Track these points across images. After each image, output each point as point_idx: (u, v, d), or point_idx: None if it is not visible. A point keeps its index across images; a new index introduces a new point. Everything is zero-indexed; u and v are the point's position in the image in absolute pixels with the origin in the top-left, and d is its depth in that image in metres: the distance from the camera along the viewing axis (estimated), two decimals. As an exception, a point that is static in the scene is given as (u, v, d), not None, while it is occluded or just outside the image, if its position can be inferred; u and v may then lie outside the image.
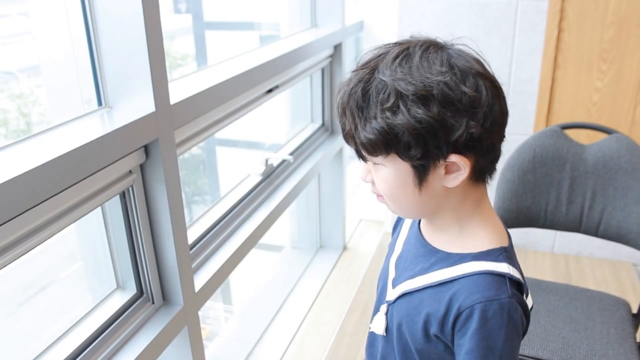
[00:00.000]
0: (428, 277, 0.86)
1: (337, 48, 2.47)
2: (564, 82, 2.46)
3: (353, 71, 0.81)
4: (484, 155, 0.79)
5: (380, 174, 0.82)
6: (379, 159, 0.80)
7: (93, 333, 1.16)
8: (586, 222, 1.68)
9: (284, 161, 2.13)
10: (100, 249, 1.29)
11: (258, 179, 1.94)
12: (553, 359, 1.47)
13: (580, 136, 1.78)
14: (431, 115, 0.73)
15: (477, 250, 0.83)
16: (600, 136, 1.70)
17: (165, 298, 1.35)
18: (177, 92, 1.30)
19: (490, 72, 0.80)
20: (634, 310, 1.67)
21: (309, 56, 2.11)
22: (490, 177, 0.84)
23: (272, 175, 2.03)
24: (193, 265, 1.47)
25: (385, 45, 0.82)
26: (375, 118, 0.76)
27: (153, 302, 1.32)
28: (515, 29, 2.45)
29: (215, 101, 1.46)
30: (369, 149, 0.79)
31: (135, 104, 1.16)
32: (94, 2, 1.11)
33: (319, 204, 2.79)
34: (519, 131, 2.57)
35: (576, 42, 2.39)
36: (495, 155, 0.82)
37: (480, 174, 0.82)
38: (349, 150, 2.78)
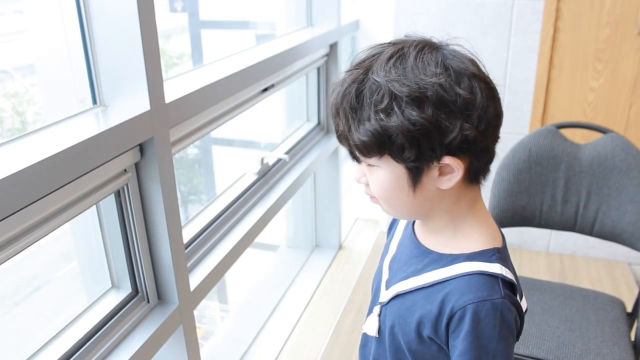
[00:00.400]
0: (421, 278, 0.85)
1: (333, 47, 2.47)
2: (560, 81, 2.46)
3: (347, 71, 0.80)
4: (478, 157, 0.79)
5: (375, 175, 0.82)
6: (373, 160, 0.80)
7: (88, 332, 1.16)
8: (581, 221, 1.69)
9: (279, 160, 2.13)
10: (95, 248, 1.28)
11: (254, 178, 1.94)
12: (548, 357, 1.48)
13: (575, 136, 1.79)
14: (425, 117, 0.73)
15: (470, 251, 0.83)
16: (596, 136, 1.70)
17: (161, 297, 1.35)
18: (173, 91, 1.30)
19: (485, 73, 0.79)
20: (629, 309, 1.67)
21: (304, 55, 2.11)
22: (484, 178, 0.84)
23: (267, 174, 2.03)
24: (188, 265, 1.47)
25: (379, 44, 0.81)
26: (369, 120, 0.75)
27: (148, 301, 1.32)
28: (511, 29, 2.45)
29: (211, 100, 1.46)
30: (362, 150, 0.79)
31: (130, 102, 1.16)
32: (88, 0, 1.11)
33: (315, 203, 2.78)
34: (515, 130, 2.57)
35: (572, 42, 2.39)
36: (490, 156, 0.81)
37: (474, 175, 0.82)
38: (344, 150, 2.79)
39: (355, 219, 3.23)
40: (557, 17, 2.37)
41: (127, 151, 1.14)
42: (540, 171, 1.68)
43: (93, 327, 1.18)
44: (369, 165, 0.82)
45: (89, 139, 1.00)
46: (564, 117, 2.50)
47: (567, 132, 1.72)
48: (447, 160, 0.76)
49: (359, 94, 0.77)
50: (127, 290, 1.30)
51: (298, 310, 2.43)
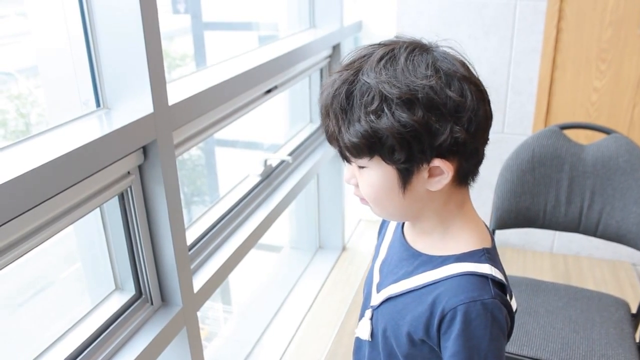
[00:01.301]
0: (411, 280, 0.85)
1: (336, 48, 2.47)
2: (563, 82, 2.46)
3: (337, 72, 0.80)
4: (467, 159, 0.79)
5: (365, 176, 0.82)
6: (363, 162, 0.80)
7: (92, 334, 1.16)
8: (585, 222, 1.68)
9: (283, 162, 2.13)
10: (99, 250, 1.28)
11: (257, 179, 1.94)
12: (552, 359, 1.48)
13: (579, 136, 1.78)
14: (416, 119, 0.73)
15: (460, 252, 0.83)
16: (599, 136, 1.70)
17: (164, 299, 1.35)
18: (176, 93, 1.30)
19: (476, 75, 0.79)
20: (634, 311, 1.67)
21: (307, 56, 2.11)
22: (473, 179, 0.84)
23: (271, 176, 2.03)
24: (192, 266, 1.47)
25: (369, 45, 0.81)
26: (359, 121, 0.75)
27: (152, 303, 1.32)
28: (514, 29, 2.45)
29: (214, 102, 1.46)
30: (352, 151, 0.79)
31: (133, 105, 1.16)
32: (91, 2, 1.11)
33: (318, 204, 2.78)
34: (518, 131, 2.57)
35: (575, 42, 2.39)
36: (479, 158, 0.82)
37: (464, 177, 0.82)
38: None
39: (359, 220, 3.23)
40: (560, 18, 2.36)
41: (130, 153, 1.14)
42: (544, 172, 1.68)
43: (97, 329, 1.18)
44: (360, 166, 0.82)
45: (92, 141, 1.01)
46: (567, 118, 2.50)
47: (570, 133, 1.72)
48: (437, 162, 0.76)
49: (349, 95, 0.76)
50: (130, 292, 1.30)
51: (301, 311, 2.43)
